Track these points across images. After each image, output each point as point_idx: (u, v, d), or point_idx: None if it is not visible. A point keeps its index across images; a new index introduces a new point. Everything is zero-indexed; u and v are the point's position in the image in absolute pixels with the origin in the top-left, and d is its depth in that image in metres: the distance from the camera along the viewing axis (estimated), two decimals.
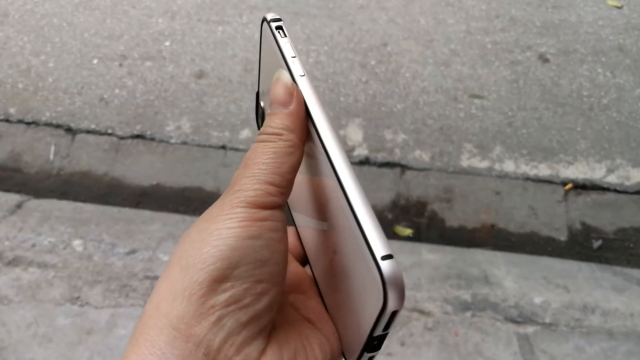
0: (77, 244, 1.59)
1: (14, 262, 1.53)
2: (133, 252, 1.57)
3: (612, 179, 1.93)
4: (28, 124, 1.93)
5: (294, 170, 0.29)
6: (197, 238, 0.27)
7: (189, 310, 0.26)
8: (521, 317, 1.54)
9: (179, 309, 0.26)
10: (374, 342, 0.27)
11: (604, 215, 1.87)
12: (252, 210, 0.27)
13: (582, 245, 1.81)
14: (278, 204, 0.28)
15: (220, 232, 0.27)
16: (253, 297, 0.27)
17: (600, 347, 1.50)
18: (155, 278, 1.51)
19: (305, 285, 0.35)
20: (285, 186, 0.29)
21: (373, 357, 0.29)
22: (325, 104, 2.00)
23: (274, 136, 0.29)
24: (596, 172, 1.94)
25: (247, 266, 0.27)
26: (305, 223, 0.35)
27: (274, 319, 0.29)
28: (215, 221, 0.27)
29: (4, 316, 1.41)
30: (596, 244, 1.81)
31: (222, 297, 0.26)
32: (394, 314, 0.25)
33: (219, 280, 0.26)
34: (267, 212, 0.28)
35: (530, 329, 1.52)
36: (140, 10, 2.20)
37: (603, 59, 2.19)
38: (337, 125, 1.98)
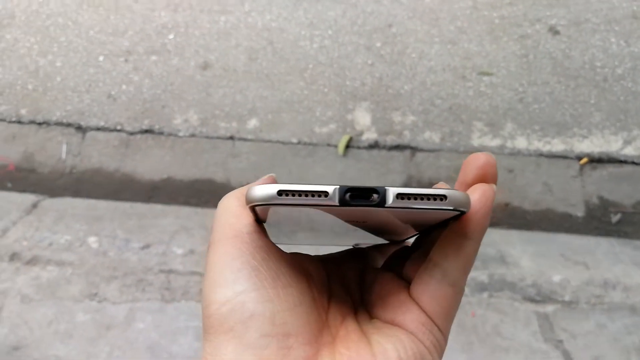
0: (92, 240, 1.61)
1: (32, 262, 1.55)
2: (147, 246, 1.58)
3: (629, 151, 1.88)
4: (39, 124, 1.95)
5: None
6: (204, 278, 0.30)
7: (213, 343, 0.28)
8: (540, 296, 1.52)
9: (206, 346, 0.28)
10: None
11: (622, 189, 1.83)
12: (233, 238, 0.30)
13: (600, 220, 1.78)
14: (252, 229, 0.31)
15: (213, 265, 0.30)
16: (262, 303, 0.28)
17: (623, 323, 1.47)
18: (170, 271, 1.52)
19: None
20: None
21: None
22: (331, 88, 1.98)
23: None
24: (612, 144, 1.90)
25: (243, 279, 0.28)
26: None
27: (335, 336, 0.31)
28: (208, 257, 0.31)
29: (25, 314, 1.44)
30: (615, 218, 1.78)
31: (234, 316, 0.27)
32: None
33: (223, 302, 0.28)
34: (243, 237, 0.30)
35: (549, 308, 1.50)
36: (143, 4, 2.19)
37: (616, 28, 2.12)
38: (344, 110, 1.96)
